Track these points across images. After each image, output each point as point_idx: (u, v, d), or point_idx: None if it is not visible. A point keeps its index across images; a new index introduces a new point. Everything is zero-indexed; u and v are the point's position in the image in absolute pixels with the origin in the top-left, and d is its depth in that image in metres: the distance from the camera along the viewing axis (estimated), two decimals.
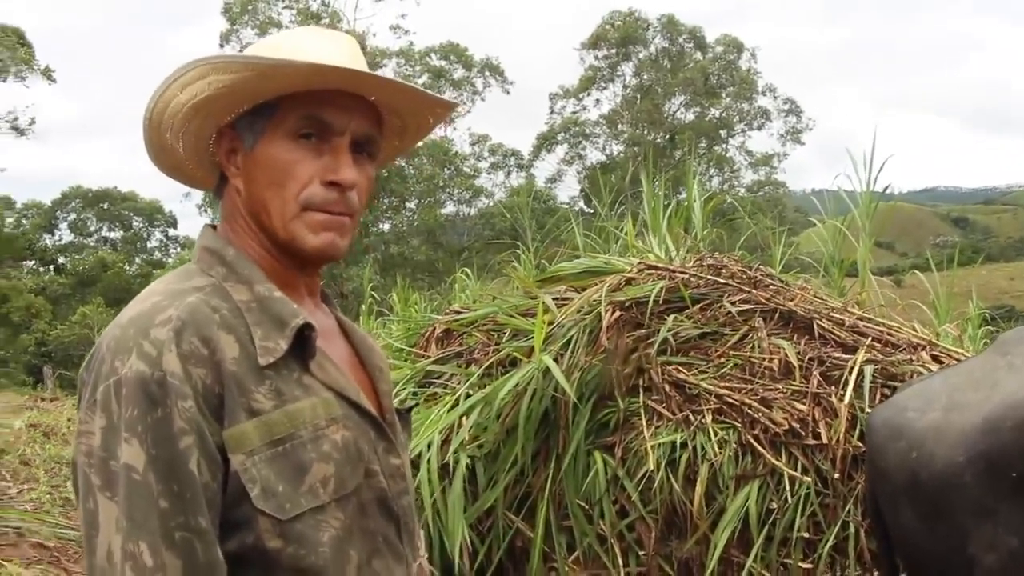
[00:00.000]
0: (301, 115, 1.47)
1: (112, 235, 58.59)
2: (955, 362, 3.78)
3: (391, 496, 1.52)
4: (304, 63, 1.43)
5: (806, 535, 3.57)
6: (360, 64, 1.52)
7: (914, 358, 3.96)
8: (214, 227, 1.58)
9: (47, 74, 39.03)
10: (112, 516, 1.26)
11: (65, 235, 56.66)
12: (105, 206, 57.32)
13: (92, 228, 58.07)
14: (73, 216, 57.08)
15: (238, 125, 1.50)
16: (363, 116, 1.53)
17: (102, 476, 1.28)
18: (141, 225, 59.24)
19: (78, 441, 1.32)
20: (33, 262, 45.86)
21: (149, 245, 59.62)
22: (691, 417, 3.82)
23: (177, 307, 1.36)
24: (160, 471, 1.27)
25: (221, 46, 39.83)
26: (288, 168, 1.47)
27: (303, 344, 1.44)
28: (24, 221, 50.26)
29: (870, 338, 4.11)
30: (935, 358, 3.98)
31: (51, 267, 48.16)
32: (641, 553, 3.73)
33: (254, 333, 1.40)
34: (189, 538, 1.27)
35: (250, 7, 39.59)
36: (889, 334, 4.18)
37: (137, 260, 55.01)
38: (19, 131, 38.42)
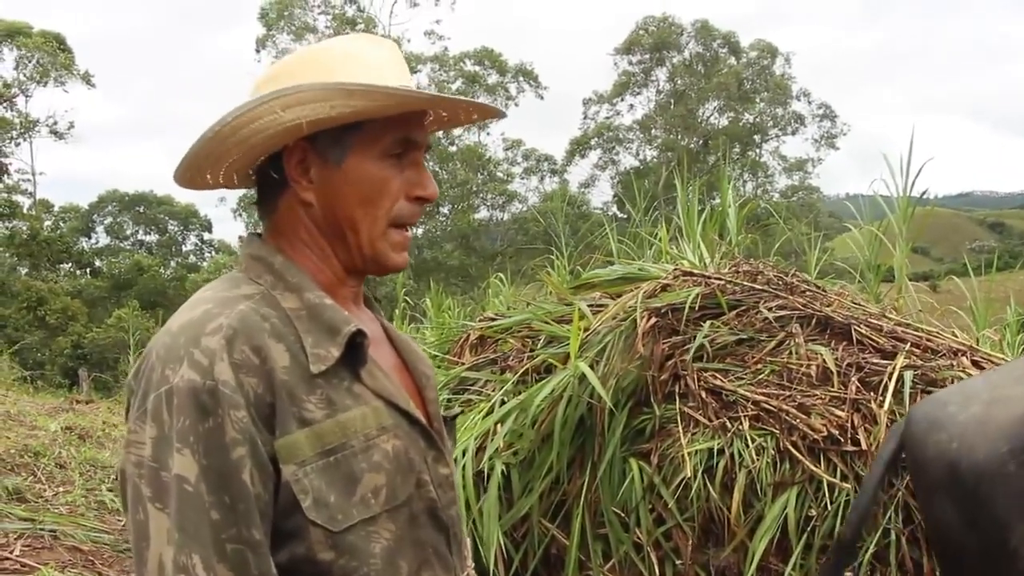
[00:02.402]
0: (397, 137, 1.49)
1: (148, 238, 59.26)
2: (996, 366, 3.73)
3: (441, 506, 1.50)
4: (429, 95, 1.48)
5: None
6: (405, 68, 1.55)
7: (954, 363, 3.91)
8: (259, 235, 1.56)
9: (86, 79, 39.59)
10: (163, 527, 1.25)
11: (102, 238, 57.42)
12: (141, 209, 57.93)
13: (128, 231, 58.76)
14: (109, 219, 57.76)
15: (317, 140, 1.47)
16: (426, 127, 1.56)
17: (153, 487, 1.26)
18: (176, 229, 59.83)
19: (127, 451, 1.31)
20: (70, 265, 46.27)
21: (184, 249, 60.25)
22: (728, 424, 3.79)
23: (228, 316, 1.35)
24: (212, 482, 1.26)
25: (257, 51, 40.35)
26: (382, 186, 1.48)
27: (354, 352, 1.43)
28: (61, 224, 50.78)
29: (909, 344, 4.06)
30: (975, 363, 3.92)
31: (87, 270, 48.55)
32: (678, 562, 3.70)
33: (304, 341, 1.39)
34: (241, 550, 1.26)
35: (286, 13, 39.93)
36: (928, 339, 4.13)
37: (172, 263, 55.48)
38: (58, 135, 38.96)
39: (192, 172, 1.55)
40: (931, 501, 2.55)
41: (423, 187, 1.52)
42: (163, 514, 1.25)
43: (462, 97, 1.55)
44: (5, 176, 35.96)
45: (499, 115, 1.74)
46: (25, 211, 38.91)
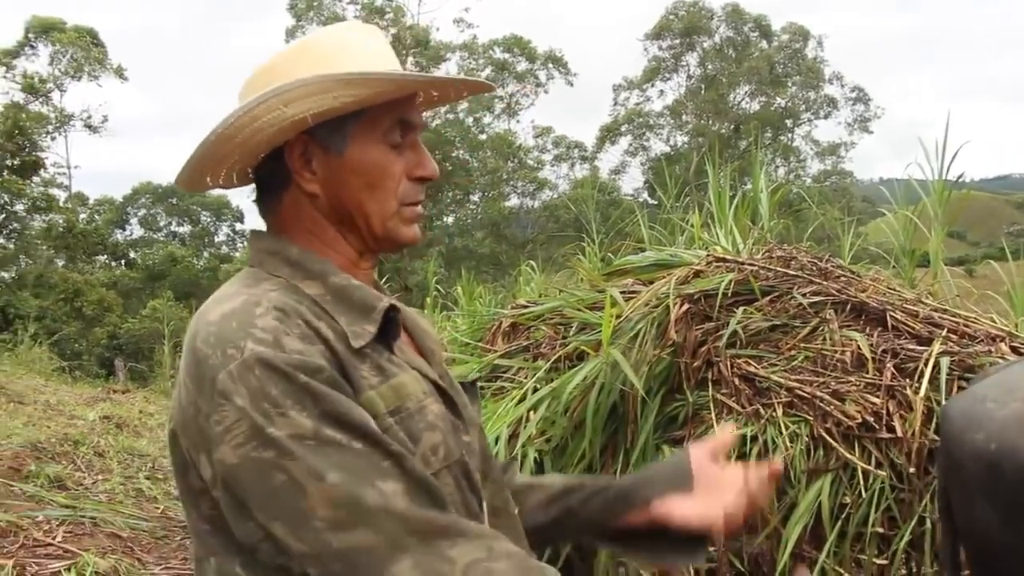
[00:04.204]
0: (395, 121, 1.52)
1: (181, 230, 59.80)
2: None
3: (472, 470, 1.53)
4: (428, 77, 1.56)
5: (880, 531, 3.49)
6: (392, 52, 1.60)
7: (992, 350, 3.85)
8: (263, 232, 1.59)
9: (119, 73, 39.93)
10: (308, 470, 1.24)
11: (136, 230, 57.98)
12: (174, 201, 58.39)
13: (162, 223, 59.30)
14: (143, 211, 58.27)
15: (317, 132, 1.48)
16: (418, 107, 1.60)
17: (275, 448, 1.25)
18: (209, 220, 60.30)
19: (222, 446, 1.27)
20: (105, 257, 46.72)
21: (217, 239, 60.69)
22: (761, 410, 3.76)
23: (267, 300, 1.37)
24: (334, 423, 1.27)
25: (286, 41, 40.25)
26: (385, 170, 1.51)
27: (388, 326, 1.47)
28: (97, 217, 51.28)
29: (945, 329, 4.01)
30: (1014, 349, 3.86)
31: (122, 262, 49.02)
32: (711, 548, 3.68)
33: (339, 320, 1.42)
34: (404, 456, 1.31)
35: (315, 3, 40.05)
36: (966, 325, 4.07)
37: (205, 254, 55.89)
38: (92, 129, 39.27)
39: (195, 175, 1.57)
40: (969, 500, 2.50)
41: (423, 167, 1.56)
42: (300, 462, 1.24)
43: (453, 76, 1.62)
44: (41, 170, 36.23)
45: (489, 89, 1.77)
46: (61, 204, 39.28)
